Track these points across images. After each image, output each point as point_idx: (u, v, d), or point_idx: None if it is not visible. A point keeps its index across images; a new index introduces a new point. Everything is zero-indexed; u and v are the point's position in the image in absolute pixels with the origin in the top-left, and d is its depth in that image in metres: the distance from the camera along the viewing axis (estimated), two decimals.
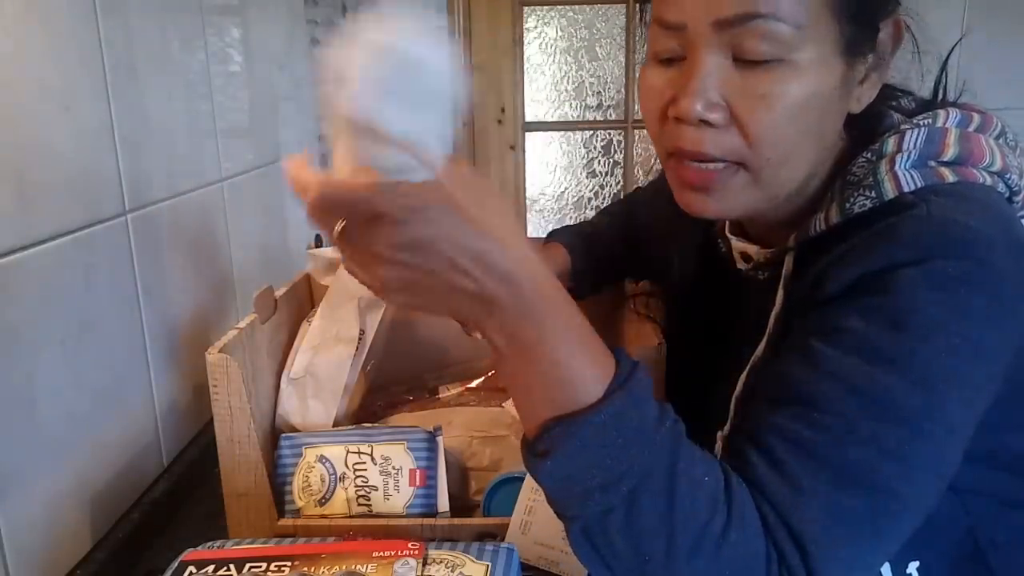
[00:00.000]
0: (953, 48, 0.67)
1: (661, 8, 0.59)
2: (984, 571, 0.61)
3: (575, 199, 2.54)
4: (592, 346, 0.49)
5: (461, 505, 0.77)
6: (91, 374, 0.76)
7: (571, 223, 0.98)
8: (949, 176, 0.57)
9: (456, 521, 0.73)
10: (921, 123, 0.60)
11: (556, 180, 2.53)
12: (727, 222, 0.74)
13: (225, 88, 1.11)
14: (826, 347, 0.54)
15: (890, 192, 0.57)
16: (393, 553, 0.57)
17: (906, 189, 0.56)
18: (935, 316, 0.52)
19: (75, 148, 0.75)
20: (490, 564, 0.56)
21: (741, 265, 0.72)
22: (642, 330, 0.80)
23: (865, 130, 0.62)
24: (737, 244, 0.71)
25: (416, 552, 0.57)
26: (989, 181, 0.58)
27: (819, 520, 0.50)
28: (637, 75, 0.72)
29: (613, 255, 0.91)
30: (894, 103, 0.66)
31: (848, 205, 0.58)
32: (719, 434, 0.66)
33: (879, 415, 0.51)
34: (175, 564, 0.59)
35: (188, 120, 1.00)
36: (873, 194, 0.57)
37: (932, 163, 0.58)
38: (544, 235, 0.95)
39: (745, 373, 0.63)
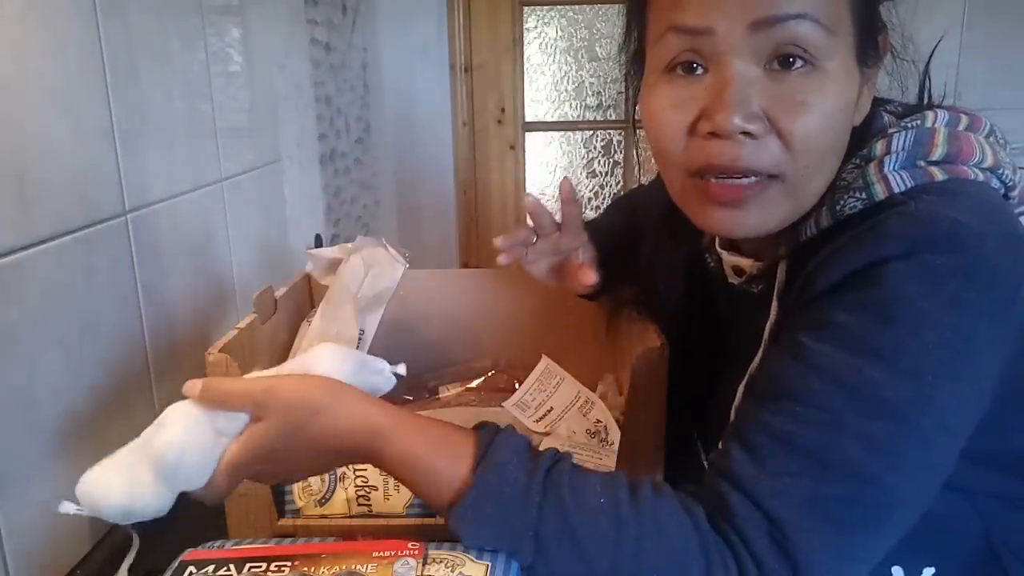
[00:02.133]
0: (933, 51, 0.65)
1: (677, 14, 0.57)
2: (999, 573, 0.60)
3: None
4: (443, 447, 0.56)
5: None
6: (91, 374, 0.76)
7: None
8: (939, 175, 0.56)
9: None
10: (909, 125, 0.59)
11: (556, 180, 2.53)
12: (716, 237, 0.73)
13: (225, 88, 1.11)
14: (812, 341, 0.53)
15: (880, 194, 0.56)
16: (393, 553, 0.56)
17: (896, 190, 0.55)
18: (924, 309, 0.51)
19: (75, 148, 0.75)
20: (490, 564, 0.56)
21: (733, 279, 0.71)
22: (644, 331, 0.80)
23: (855, 137, 0.61)
24: (729, 258, 0.70)
25: (416, 552, 0.57)
26: (982, 177, 0.57)
27: (800, 508, 0.50)
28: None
29: (625, 257, 0.90)
30: (883, 108, 0.65)
31: (838, 208, 0.57)
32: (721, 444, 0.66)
33: (866, 409, 0.51)
34: (175, 564, 0.59)
35: (188, 120, 1.00)
36: (863, 195, 0.56)
37: (921, 163, 0.57)
38: None
39: (743, 385, 0.62)
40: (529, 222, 0.80)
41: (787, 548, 0.50)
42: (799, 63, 0.55)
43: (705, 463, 0.69)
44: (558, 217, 0.80)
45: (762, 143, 0.56)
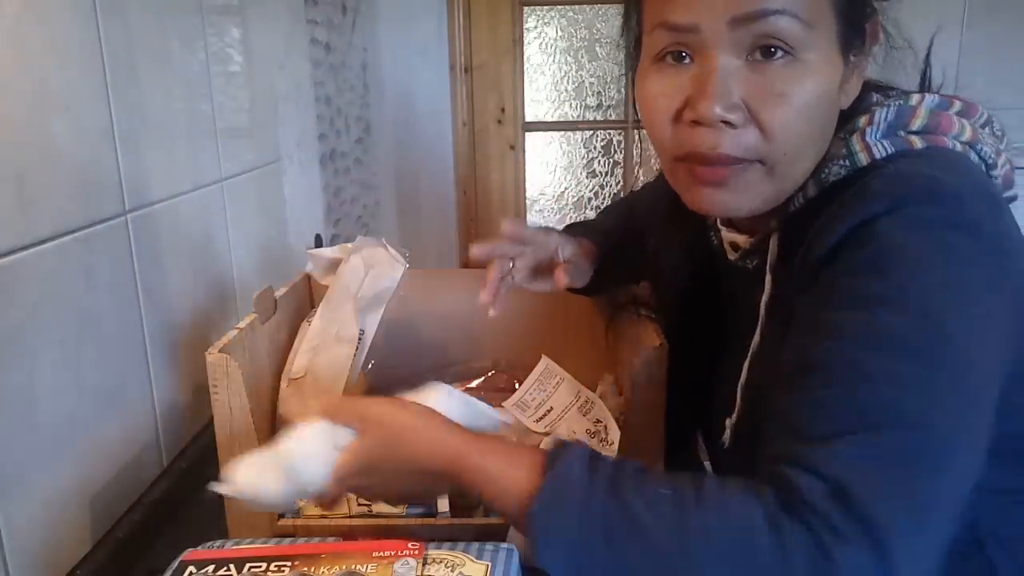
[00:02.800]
0: (933, 38, 0.67)
1: (666, 11, 0.60)
2: (984, 563, 0.61)
3: (575, 199, 2.54)
4: (515, 461, 0.57)
5: (461, 505, 0.77)
6: (91, 374, 0.76)
7: (573, 222, 0.97)
8: (918, 143, 0.59)
9: (456, 521, 0.73)
10: (892, 103, 0.62)
11: (556, 180, 2.53)
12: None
13: (225, 88, 1.11)
14: (823, 311, 0.55)
15: (863, 161, 0.59)
16: (393, 553, 0.57)
17: (878, 156, 0.58)
18: (918, 254, 0.53)
19: (75, 148, 0.75)
20: (490, 564, 0.56)
21: (732, 255, 0.73)
22: (644, 331, 0.80)
23: (844, 119, 0.64)
24: (726, 235, 0.73)
25: (416, 552, 0.57)
26: (960, 148, 0.60)
27: (857, 467, 0.49)
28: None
29: (624, 256, 0.91)
30: (879, 92, 0.67)
31: (823, 176, 0.60)
32: (727, 422, 0.68)
33: (887, 351, 0.51)
34: (175, 564, 0.59)
35: (188, 120, 1.00)
36: (847, 163, 0.59)
37: (901, 132, 0.60)
38: None
39: (748, 361, 0.65)
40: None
41: (857, 510, 0.48)
42: (779, 54, 0.57)
43: (705, 462, 0.69)
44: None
45: (741, 132, 0.58)
